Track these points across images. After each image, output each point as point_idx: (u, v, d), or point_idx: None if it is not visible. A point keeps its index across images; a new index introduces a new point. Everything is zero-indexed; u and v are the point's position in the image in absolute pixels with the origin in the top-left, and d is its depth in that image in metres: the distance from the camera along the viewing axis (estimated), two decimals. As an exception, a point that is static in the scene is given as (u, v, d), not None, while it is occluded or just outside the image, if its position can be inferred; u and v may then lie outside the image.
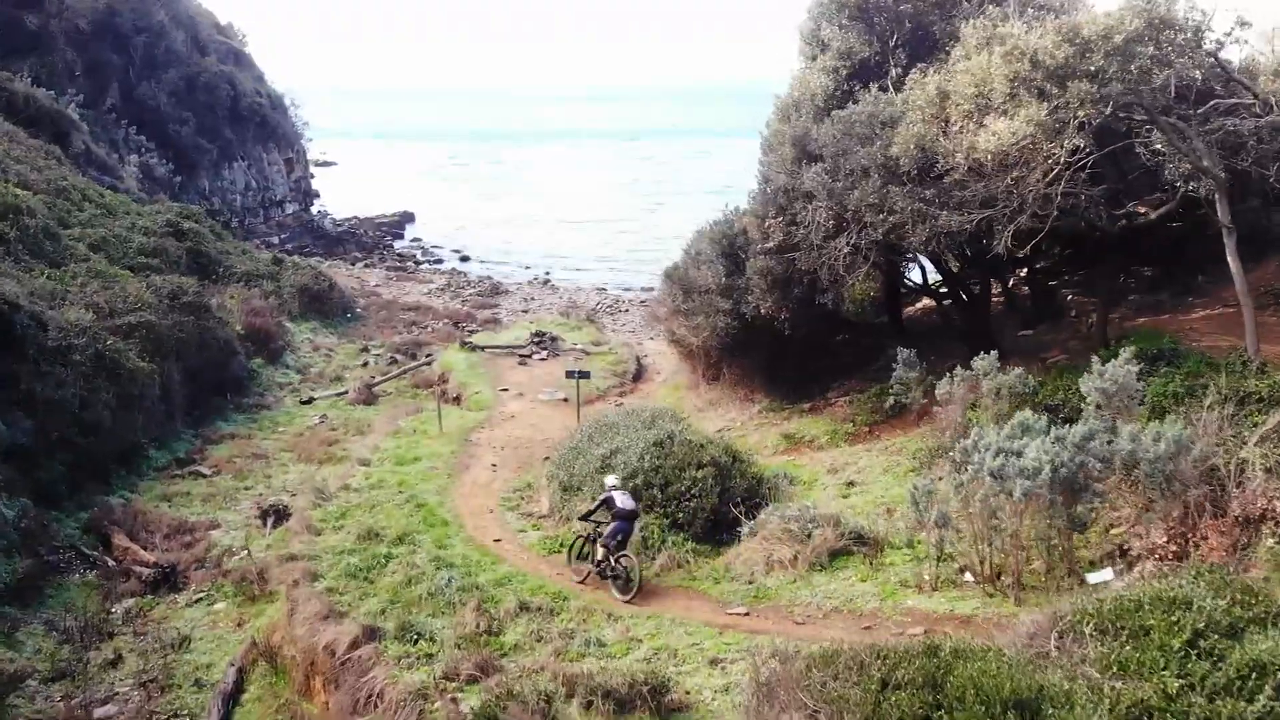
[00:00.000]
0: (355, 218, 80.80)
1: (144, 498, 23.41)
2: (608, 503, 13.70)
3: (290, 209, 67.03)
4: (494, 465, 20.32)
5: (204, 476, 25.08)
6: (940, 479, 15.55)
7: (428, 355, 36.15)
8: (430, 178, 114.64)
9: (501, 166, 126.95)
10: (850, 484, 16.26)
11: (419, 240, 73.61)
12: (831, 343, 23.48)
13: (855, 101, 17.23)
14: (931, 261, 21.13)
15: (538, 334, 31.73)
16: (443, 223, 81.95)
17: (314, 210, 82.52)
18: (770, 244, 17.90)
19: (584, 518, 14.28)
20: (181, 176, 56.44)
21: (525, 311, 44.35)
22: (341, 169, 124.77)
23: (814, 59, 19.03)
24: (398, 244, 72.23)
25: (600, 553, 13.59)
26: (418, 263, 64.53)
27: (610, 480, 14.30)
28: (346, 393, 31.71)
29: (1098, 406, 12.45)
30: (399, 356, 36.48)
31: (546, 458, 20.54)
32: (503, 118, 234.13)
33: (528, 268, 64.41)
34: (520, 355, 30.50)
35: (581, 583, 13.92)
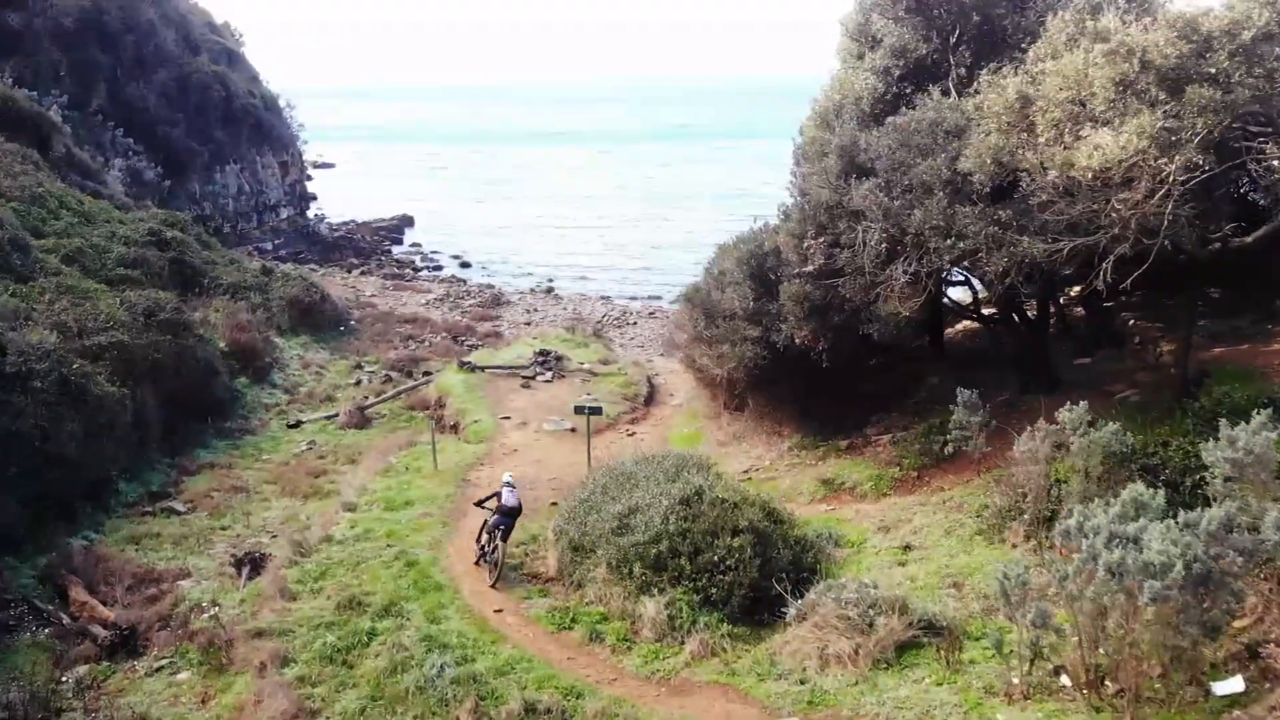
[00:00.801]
0: (353, 222, 78.80)
1: (110, 539, 21.24)
2: (498, 496, 15.46)
3: (285, 214, 64.90)
4: (495, 512, 18.15)
5: (178, 514, 22.91)
6: (1016, 546, 13.46)
7: (425, 373, 34.00)
8: (430, 180, 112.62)
9: (503, 169, 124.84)
10: (907, 548, 14.09)
11: (418, 246, 71.56)
12: (865, 368, 21.33)
13: (910, 106, 15.09)
14: (980, 280, 18.93)
15: (542, 353, 29.59)
16: (442, 227, 79.91)
17: (310, 214, 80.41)
18: (810, 268, 15.75)
19: (479, 503, 15.99)
20: (171, 180, 54.30)
21: (528, 324, 42.23)
22: (340, 170, 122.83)
23: (859, 57, 16.83)
24: (396, 249, 70.17)
25: (484, 538, 15.34)
26: (416, 269, 62.45)
27: (506, 476, 16.25)
28: (337, 415, 29.58)
29: (1226, 479, 10.29)
30: (394, 374, 34.34)
31: (554, 503, 18.42)
32: (505, 118, 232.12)
33: (529, 275, 62.30)
34: (523, 376, 28.34)
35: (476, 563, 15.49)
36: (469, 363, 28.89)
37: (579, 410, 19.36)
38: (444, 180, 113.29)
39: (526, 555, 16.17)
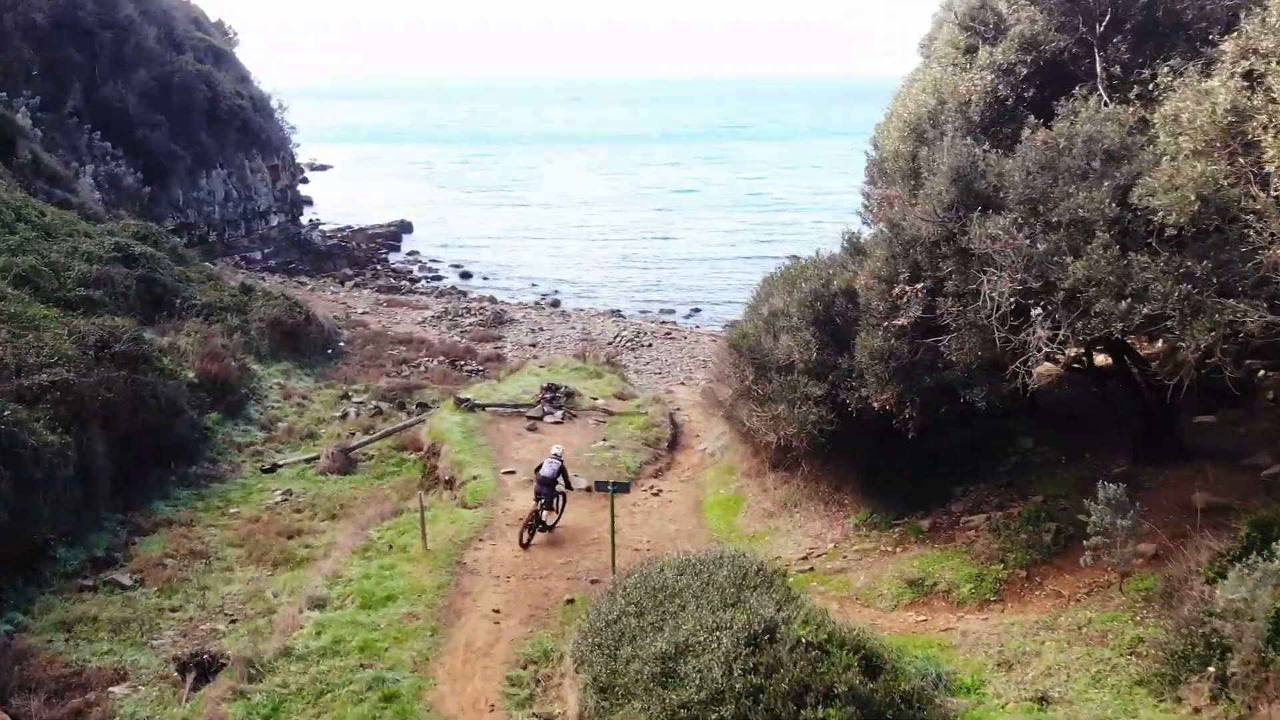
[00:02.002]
0: (349, 228, 75.40)
1: (38, 625, 17.81)
2: (539, 467, 17.07)
3: (275, 221, 61.42)
4: (496, 611, 14.67)
5: (123, 588, 19.46)
6: (1201, 711, 9.95)
7: (419, 405, 30.56)
8: (432, 183, 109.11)
9: (507, 172, 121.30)
10: (1042, 699, 10.58)
11: (416, 254, 68.11)
12: (936, 418, 17.78)
13: (1039, 116, 11.57)
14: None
15: (549, 388, 26.10)
16: (443, 234, 76.50)
17: (304, 220, 77.03)
18: (903, 320, 12.28)
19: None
20: (151, 186, 50.88)
21: (533, 345, 38.76)
22: (338, 173, 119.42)
23: (968, 51, 13.25)
24: (393, 258, 66.73)
25: (534, 505, 16.78)
26: (413, 280, 59.05)
27: (555, 449, 17.54)
28: (318, 458, 26.13)
29: None
30: (385, 405, 30.90)
31: (570, 600, 14.95)
32: (507, 119, 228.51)
33: (534, 285, 58.90)
34: (529, 417, 24.87)
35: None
36: (467, 400, 25.40)
37: (600, 487, 15.79)
38: (446, 184, 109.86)
39: (537, 682, 12.69)
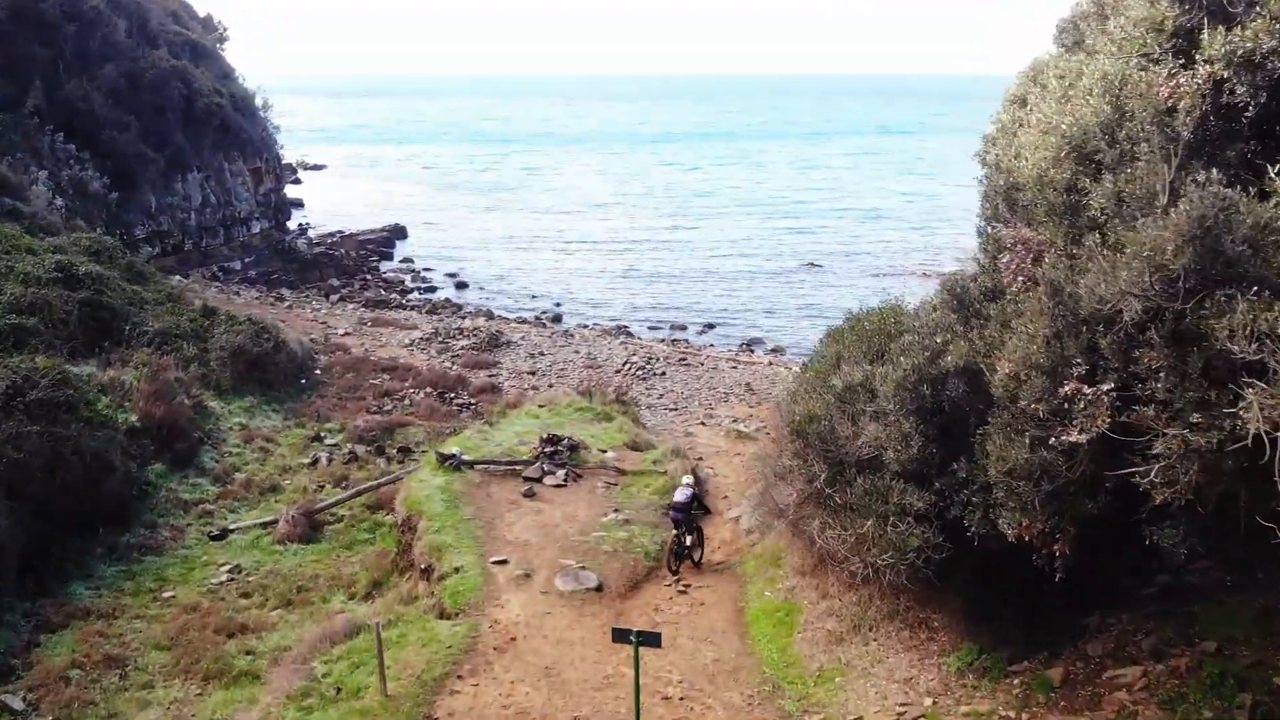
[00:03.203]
0: (340, 233, 71.28)
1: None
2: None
3: (257, 227, 57.37)
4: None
5: (11, 713, 15.43)
6: None
7: (400, 451, 26.53)
8: (430, 185, 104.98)
9: (512, 173, 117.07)
10: None
11: (409, 261, 64.00)
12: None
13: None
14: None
15: (550, 440, 22.04)
16: (439, 240, 72.44)
17: (294, 225, 73.09)
18: (1076, 436, 8.12)
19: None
20: (121, 191, 46.90)
21: (532, 373, 34.67)
22: (332, 172, 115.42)
23: (1173, 36, 9.00)
24: (385, 266, 62.63)
25: (671, 536, 17.14)
26: (405, 292, 55.03)
27: (686, 479, 18.06)
28: (276, 522, 22.10)
29: None
30: (361, 449, 26.87)
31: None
32: (512, 115, 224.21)
33: (534, 298, 54.84)
34: (525, 478, 20.80)
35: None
36: (452, 456, 21.31)
37: (620, 637, 11.55)
38: (446, 186, 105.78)
39: None
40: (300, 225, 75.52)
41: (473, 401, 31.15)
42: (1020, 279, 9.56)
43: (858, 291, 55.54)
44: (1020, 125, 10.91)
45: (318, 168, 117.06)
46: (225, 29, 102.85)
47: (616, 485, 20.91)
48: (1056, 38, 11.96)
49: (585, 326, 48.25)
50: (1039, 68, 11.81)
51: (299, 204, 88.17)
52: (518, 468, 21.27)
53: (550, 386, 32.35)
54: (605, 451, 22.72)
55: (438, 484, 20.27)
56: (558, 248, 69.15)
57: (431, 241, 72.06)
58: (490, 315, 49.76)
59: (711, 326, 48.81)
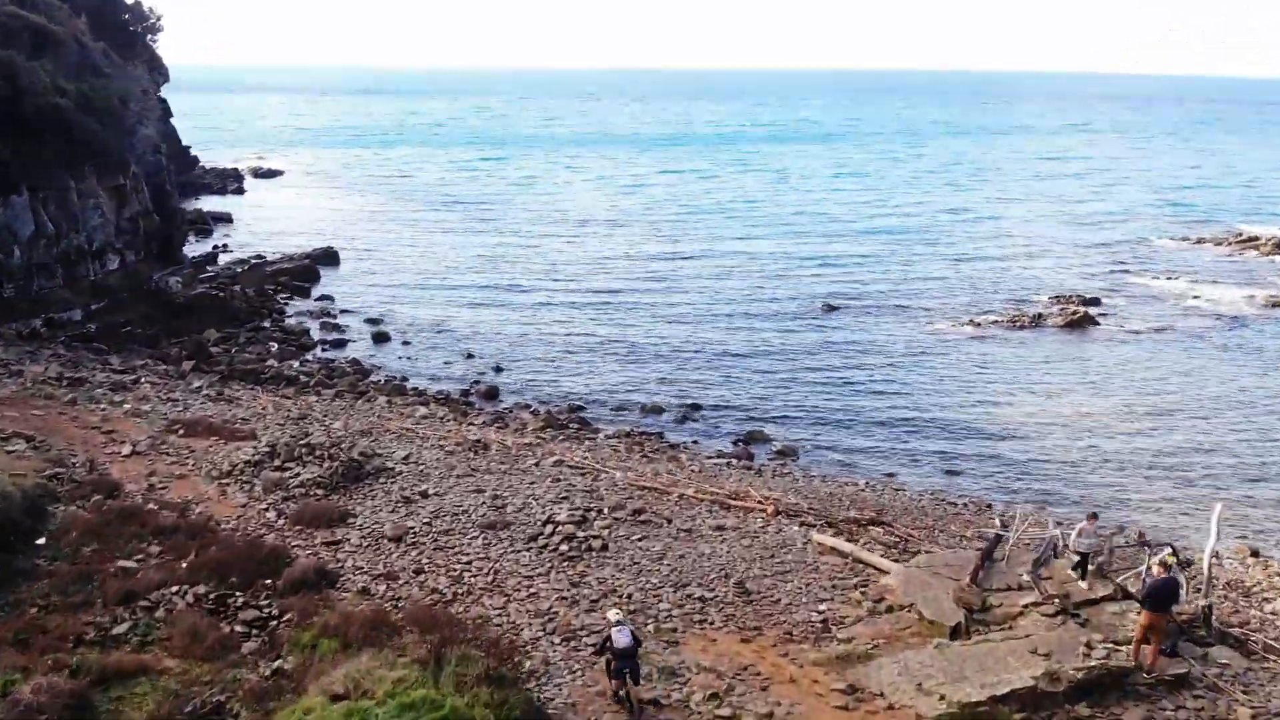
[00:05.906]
0: (258, 259, 58.43)
1: None
2: (609, 640, 14.34)
3: (115, 263, 44.40)
4: None
5: None
6: None
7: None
8: (392, 197, 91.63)
9: (501, 183, 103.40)
10: None
11: (328, 300, 50.89)
12: None
13: None
14: None
15: None
16: (376, 270, 59.21)
17: (206, 248, 60.35)
18: None
19: (598, 651, 14.94)
20: (-108, 223, 34.10)
21: (397, 541, 21.28)
22: (287, 181, 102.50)
23: None
24: (295, 306, 49.62)
25: (614, 683, 14.57)
26: (305, 347, 42.15)
27: (612, 615, 14.88)
28: None
29: None
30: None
31: None
32: (518, 117, 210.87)
33: (469, 357, 41.78)
34: None
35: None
36: None
37: None
38: (411, 197, 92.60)
39: None
40: (215, 247, 62.75)
41: (274, 616, 18.03)
42: None
43: (895, 345, 42.61)
44: None
45: (271, 174, 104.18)
46: (158, 18, 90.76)
47: None
48: None
49: (526, 408, 35.22)
50: None
51: (225, 219, 75.48)
52: None
53: (417, 575, 19.35)
54: None
55: None
56: (514, 285, 55.74)
57: (365, 271, 59.03)
58: (400, 390, 36.77)
59: (697, 408, 35.72)
